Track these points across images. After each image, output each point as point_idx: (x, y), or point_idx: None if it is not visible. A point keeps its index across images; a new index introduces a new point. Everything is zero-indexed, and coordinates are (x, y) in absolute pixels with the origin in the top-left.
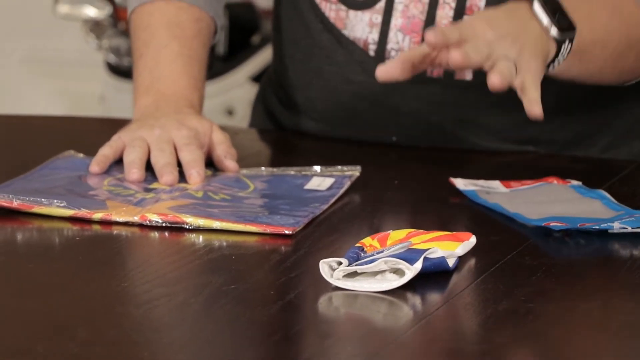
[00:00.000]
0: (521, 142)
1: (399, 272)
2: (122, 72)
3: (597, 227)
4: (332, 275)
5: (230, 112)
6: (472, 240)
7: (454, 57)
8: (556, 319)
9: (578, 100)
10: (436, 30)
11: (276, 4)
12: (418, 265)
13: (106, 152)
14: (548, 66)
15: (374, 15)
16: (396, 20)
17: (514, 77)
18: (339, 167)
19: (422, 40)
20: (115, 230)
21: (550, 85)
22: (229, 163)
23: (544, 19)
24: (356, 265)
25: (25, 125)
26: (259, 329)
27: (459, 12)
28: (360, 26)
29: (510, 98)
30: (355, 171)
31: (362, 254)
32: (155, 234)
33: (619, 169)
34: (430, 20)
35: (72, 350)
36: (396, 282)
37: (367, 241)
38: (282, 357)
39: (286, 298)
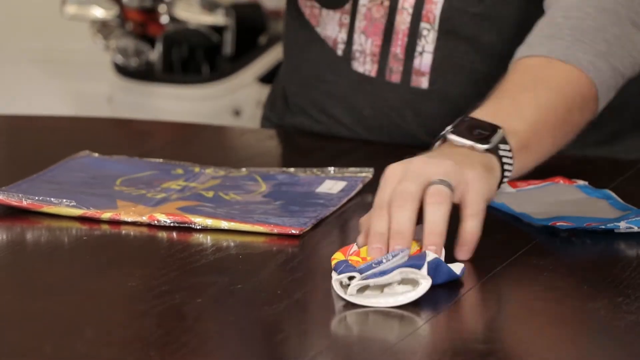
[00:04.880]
0: None
1: (409, 282)
2: (130, 72)
3: (603, 227)
4: (345, 292)
5: (237, 113)
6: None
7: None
8: (562, 318)
9: None
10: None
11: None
12: (424, 272)
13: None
14: (502, 178)
15: (344, 16)
16: (360, 22)
17: (448, 206)
18: (352, 168)
19: (383, 43)
20: (124, 230)
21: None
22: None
23: (466, 142)
24: (368, 278)
25: (34, 125)
26: (265, 329)
27: (416, 18)
28: (331, 25)
29: (466, 108)
30: (368, 173)
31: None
32: (164, 234)
33: (625, 169)
34: (390, 24)
35: (80, 350)
36: (413, 293)
37: (340, 256)
38: (288, 356)
39: (293, 297)
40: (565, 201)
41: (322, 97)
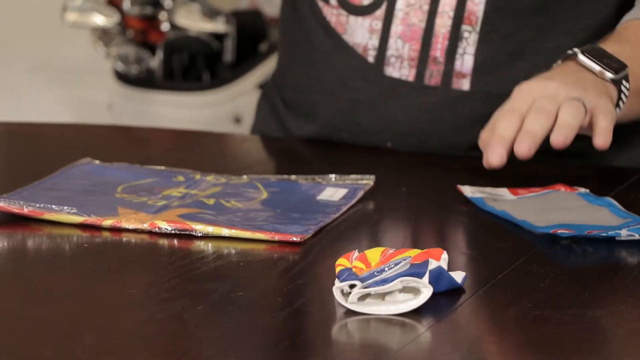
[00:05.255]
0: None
1: (411, 290)
2: (130, 80)
3: (604, 235)
4: (347, 300)
5: (238, 120)
6: (445, 256)
7: (522, 149)
8: (563, 326)
9: None
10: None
11: (281, 8)
12: (426, 281)
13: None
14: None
15: (375, 22)
16: (396, 27)
17: (583, 115)
18: (353, 175)
19: (422, 47)
20: (125, 237)
21: None
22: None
23: (595, 66)
24: (369, 287)
25: (34, 133)
26: (266, 336)
27: (457, 21)
28: (361, 32)
29: None
30: (369, 180)
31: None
32: (165, 241)
33: (627, 177)
34: (429, 28)
35: (80, 357)
36: (414, 301)
37: (345, 262)
38: None
39: (294, 305)
40: (567, 209)
41: (350, 104)
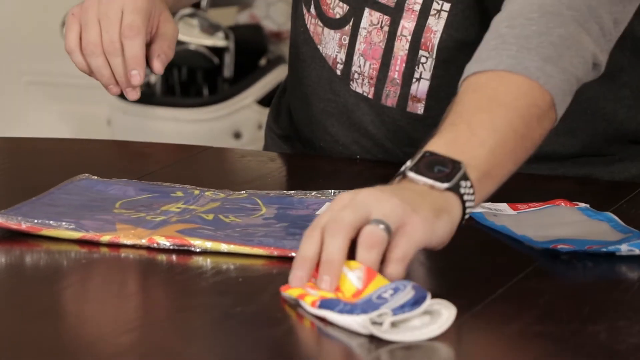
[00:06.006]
0: None
1: (427, 313)
2: None
3: (604, 250)
4: (377, 329)
5: (237, 135)
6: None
7: (324, 285)
8: (563, 341)
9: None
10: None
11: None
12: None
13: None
14: (463, 215)
15: (343, 36)
16: (360, 45)
17: (384, 240)
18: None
19: (381, 67)
20: (123, 252)
21: None
22: (156, 64)
23: (426, 180)
24: (396, 315)
25: (33, 148)
26: (265, 352)
27: (415, 45)
28: (332, 44)
29: None
30: None
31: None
32: (163, 257)
33: (627, 192)
34: (389, 49)
35: None
36: (443, 324)
37: (328, 294)
38: None
39: (293, 320)
40: (567, 224)
41: (321, 114)
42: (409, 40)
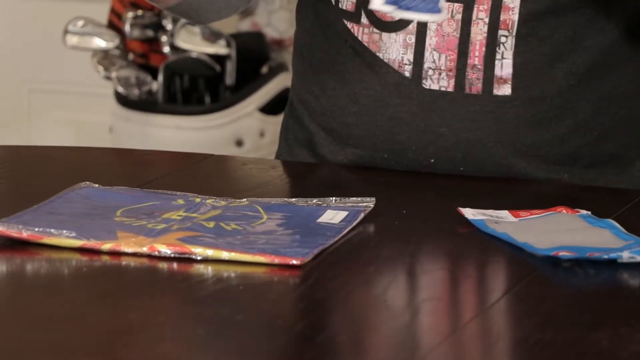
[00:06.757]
0: (562, 157)
1: None
2: (131, 102)
3: (606, 257)
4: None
5: (239, 143)
6: None
7: None
8: (565, 349)
9: (616, 114)
10: None
11: (298, 34)
12: None
13: None
14: None
15: (408, 36)
16: (430, 40)
17: None
18: (354, 198)
19: (458, 57)
20: (124, 261)
21: (587, 99)
22: None
23: None
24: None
25: (35, 156)
26: None
27: (493, 27)
28: (395, 47)
29: (549, 112)
30: (370, 203)
31: None
32: (164, 265)
33: (629, 199)
34: (465, 37)
35: None
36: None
37: None
38: None
39: (294, 329)
40: (568, 231)
41: (388, 123)
42: (487, 22)
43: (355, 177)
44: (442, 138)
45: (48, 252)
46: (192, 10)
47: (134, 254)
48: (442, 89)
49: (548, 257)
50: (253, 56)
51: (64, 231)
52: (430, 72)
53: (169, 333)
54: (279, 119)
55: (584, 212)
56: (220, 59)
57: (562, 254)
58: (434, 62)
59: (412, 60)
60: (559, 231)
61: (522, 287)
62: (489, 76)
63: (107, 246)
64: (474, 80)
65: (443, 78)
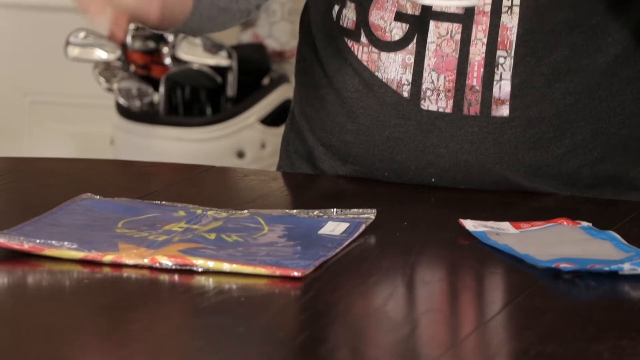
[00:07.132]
0: (561, 178)
1: None
2: (132, 114)
3: (607, 269)
4: None
5: (240, 154)
6: None
7: None
8: None
9: (615, 134)
10: None
11: (299, 50)
12: None
13: None
14: None
15: (407, 56)
16: (429, 60)
17: None
18: (355, 210)
19: (457, 77)
20: (126, 272)
21: (586, 120)
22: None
23: None
24: None
25: (36, 168)
26: None
27: (491, 47)
28: (393, 67)
29: (547, 132)
30: (370, 214)
31: None
32: (165, 277)
33: (629, 211)
34: (463, 57)
35: None
36: None
37: None
38: None
39: (295, 341)
40: (569, 243)
41: (386, 143)
42: (485, 42)
43: (356, 189)
44: (441, 159)
45: (49, 264)
46: (197, 29)
47: (135, 266)
48: (440, 109)
49: (549, 269)
50: (254, 67)
51: (66, 243)
52: (429, 92)
53: (170, 345)
54: (280, 130)
55: (585, 224)
56: (221, 71)
57: (563, 265)
58: (432, 82)
59: (410, 80)
60: (560, 243)
61: (523, 299)
62: (487, 97)
63: (108, 258)
64: (472, 102)
65: (441, 99)
